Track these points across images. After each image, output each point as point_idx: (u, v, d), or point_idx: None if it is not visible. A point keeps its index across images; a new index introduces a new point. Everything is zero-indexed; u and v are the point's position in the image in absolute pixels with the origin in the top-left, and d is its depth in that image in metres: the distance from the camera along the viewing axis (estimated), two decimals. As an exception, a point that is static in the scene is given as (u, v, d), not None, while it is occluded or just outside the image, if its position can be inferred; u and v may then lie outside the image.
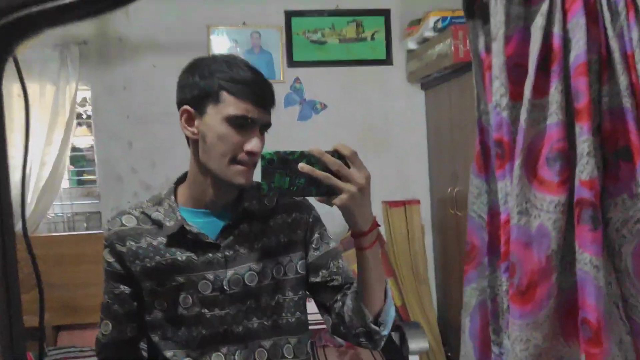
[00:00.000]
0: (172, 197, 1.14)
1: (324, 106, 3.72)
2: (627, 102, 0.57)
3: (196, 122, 1.07)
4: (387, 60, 3.76)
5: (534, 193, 0.58)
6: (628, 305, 0.59)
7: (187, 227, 1.08)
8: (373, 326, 1.03)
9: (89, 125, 3.30)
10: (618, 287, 0.58)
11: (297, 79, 3.79)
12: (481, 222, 0.66)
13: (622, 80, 0.57)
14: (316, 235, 1.17)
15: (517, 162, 0.58)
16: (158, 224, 1.11)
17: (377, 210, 3.56)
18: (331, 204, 0.92)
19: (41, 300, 0.59)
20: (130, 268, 1.11)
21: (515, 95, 0.60)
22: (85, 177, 3.40)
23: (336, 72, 3.77)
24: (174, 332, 1.14)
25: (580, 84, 0.56)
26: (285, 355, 1.15)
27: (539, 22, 0.58)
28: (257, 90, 1.05)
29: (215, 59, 1.10)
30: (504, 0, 0.58)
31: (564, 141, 0.57)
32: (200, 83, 1.06)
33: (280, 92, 3.65)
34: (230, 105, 1.03)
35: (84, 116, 3.30)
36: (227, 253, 1.10)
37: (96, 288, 3.21)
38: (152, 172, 3.34)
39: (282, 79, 3.84)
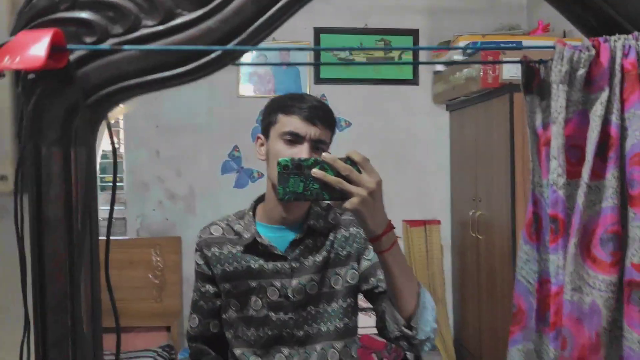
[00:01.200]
0: (251, 213, 1.32)
1: (349, 124, 3.75)
2: (679, 190, 0.61)
3: (264, 147, 1.26)
4: (414, 81, 3.78)
5: (587, 271, 0.62)
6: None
7: (259, 240, 1.26)
8: (405, 330, 1.08)
9: (115, 128, 3.35)
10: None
11: (322, 96, 3.81)
12: (529, 287, 0.70)
13: (676, 169, 0.61)
14: (369, 246, 1.27)
15: (573, 240, 0.62)
16: (239, 235, 1.30)
17: (397, 229, 3.58)
18: (343, 208, 0.97)
19: (113, 304, 0.65)
20: (213, 270, 1.30)
21: (571, 174, 0.64)
22: (109, 180, 3.44)
23: (362, 89, 3.80)
24: (244, 332, 1.29)
25: (635, 173, 0.60)
26: (335, 357, 1.28)
27: (598, 111, 0.62)
28: (305, 107, 1.20)
29: (284, 95, 1.28)
30: (566, 86, 0.62)
31: (618, 224, 0.61)
32: (267, 116, 1.26)
33: (306, 108, 3.68)
34: (283, 123, 1.21)
35: (112, 120, 3.36)
36: (293, 264, 1.26)
37: (121, 292, 3.27)
38: (177, 181, 3.39)
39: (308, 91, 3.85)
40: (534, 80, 0.69)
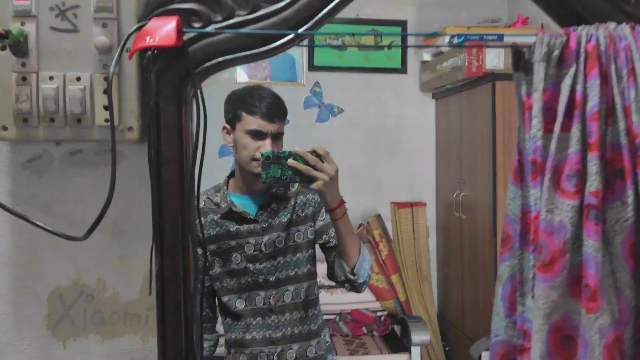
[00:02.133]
0: (225, 187, 1.61)
1: (341, 110, 3.93)
2: (623, 139, 0.85)
3: (231, 136, 1.56)
4: (402, 69, 3.98)
5: (558, 198, 0.86)
6: (615, 277, 0.87)
7: (234, 208, 1.56)
8: (349, 275, 1.49)
9: None
10: (610, 265, 0.87)
11: (316, 83, 3.98)
12: (515, 218, 0.93)
13: (621, 124, 0.85)
14: (322, 210, 1.62)
15: (547, 176, 0.86)
16: (217, 205, 1.58)
17: (385, 210, 3.79)
18: (310, 188, 1.40)
19: (202, 279, 0.87)
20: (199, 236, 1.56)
21: (547, 130, 0.88)
22: None
23: (354, 78, 3.97)
24: (228, 282, 1.58)
25: (593, 127, 0.84)
26: (301, 296, 1.60)
27: (567, 81, 0.86)
28: (266, 108, 1.49)
29: (245, 89, 1.57)
30: (544, 64, 0.86)
31: (580, 164, 0.85)
32: (231, 109, 1.54)
33: (300, 94, 3.88)
34: (247, 121, 1.50)
35: None
36: (263, 225, 1.57)
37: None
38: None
39: (302, 82, 4.00)
40: (520, 61, 0.92)
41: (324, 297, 3.41)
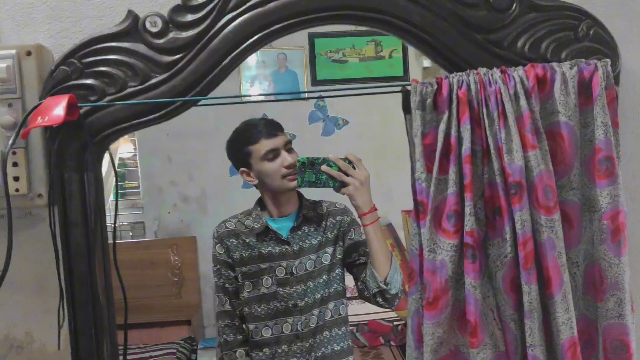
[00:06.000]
0: (259, 208, 1.62)
1: (346, 122, 3.95)
2: (498, 178, 0.89)
3: (252, 174, 1.57)
4: (405, 77, 3.97)
5: (439, 237, 0.90)
6: (500, 310, 0.90)
7: (269, 227, 1.57)
8: (382, 285, 1.46)
9: (131, 137, 3.58)
10: (494, 299, 0.90)
11: (320, 97, 4.00)
12: (416, 252, 0.98)
13: (496, 164, 0.89)
14: (352, 230, 1.62)
15: (428, 217, 0.90)
16: (249, 228, 1.59)
17: (397, 219, 3.79)
18: (342, 193, 1.41)
19: (125, 304, 0.95)
20: (233, 257, 1.58)
21: (431, 170, 0.92)
22: (127, 187, 3.69)
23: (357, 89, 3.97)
24: (256, 309, 1.58)
25: (466, 168, 0.88)
26: (326, 317, 1.60)
27: (442, 127, 0.90)
28: (262, 128, 1.54)
29: (235, 133, 1.60)
30: (420, 111, 0.90)
31: (458, 205, 0.89)
32: (238, 152, 1.57)
33: (304, 109, 3.91)
34: (257, 150, 1.52)
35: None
36: (294, 248, 1.57)
37: (144, 291, 3.55)
38: (189, 184, 3.63)
39: (306, 97, 4.03)
40: (409, 105, 0.97)
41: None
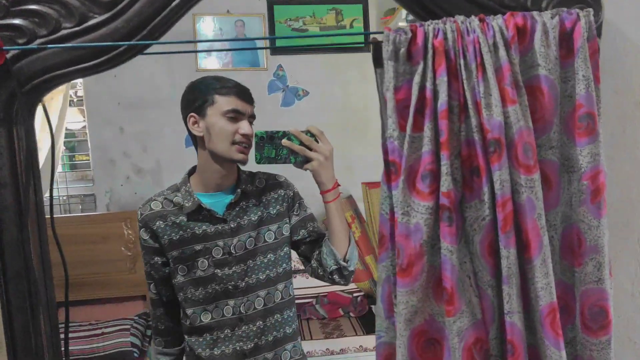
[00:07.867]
0: (188, 184, 1.46)
1: (306, 92, 3.87)
2: (476, 136, 0.82)
3: (200, 124, 1.40)
4: (366, 48, 3.90)
5: (413, 200, 0.83)
6: (477, 277, 0.84)
7: (203, 206, 1.41)
8: (342, 262, 1.39)
9: (80, 107, 3.43)
10: (471, 264, 0.84)
11: (279, 67, 3.91)
12: (387, 217, 0.91)
13: (474, 120, 0.82)
14: (296, 205, 1.52)
15: (402, 177, 0.82)
16: (179, 206, 1.44)
17: (357, 192, 3.76)
18: (304, 169, 1.30)
19: (66, 277, 0.85)
20: (160, 242, 1.44)
21: (403, 128, 0.84)
22: (78, 159, 3.55)
23: (317, 59, 3.91)
24: (193, 293, 1.45)
25: (443, 125, 0.81)
26: (276, 299, 1.48)
27: (416, 79, 0.82)
28: (240, 89, 1.40)
29: (207, 77, 1.44)
30: (393, 62, 0.82)
31: (433, 164, 0.82)
32: (200, 95, 1.40)
33: (263, 79, 3.81)
34: (222, 103, 1.37)
35: (75, 99, 3.42)
36: (232, 225, 1.43)
37: (97, 266, 3.44)
38: (143, 156, 3.51)
39: (265, 66, 3.94)
40: (380, 58, 0.88)
41: (300, 281, 3.41)
